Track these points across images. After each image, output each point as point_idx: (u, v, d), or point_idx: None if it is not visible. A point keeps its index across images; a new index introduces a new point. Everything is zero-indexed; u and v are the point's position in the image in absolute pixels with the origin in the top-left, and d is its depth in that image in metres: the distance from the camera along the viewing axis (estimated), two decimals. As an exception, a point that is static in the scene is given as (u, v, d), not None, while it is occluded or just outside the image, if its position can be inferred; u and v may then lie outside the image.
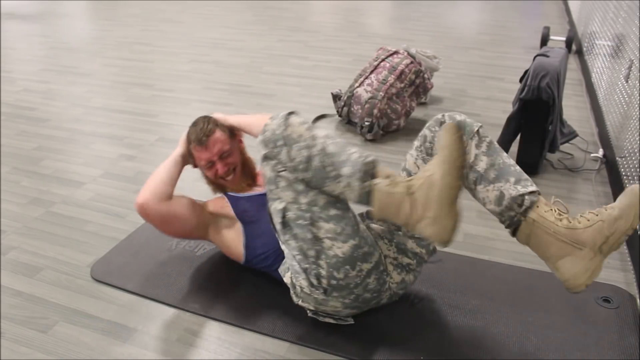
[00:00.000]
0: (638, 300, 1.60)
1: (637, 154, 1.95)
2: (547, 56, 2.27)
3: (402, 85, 2.74)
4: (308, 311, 1.50)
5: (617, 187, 2.11)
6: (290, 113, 1.39)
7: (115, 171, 2.40)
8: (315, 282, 1.39)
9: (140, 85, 3.49)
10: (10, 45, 4.47)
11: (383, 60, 2.80)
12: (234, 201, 1.68)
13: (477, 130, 1.39)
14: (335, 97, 2.88)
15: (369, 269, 1.38)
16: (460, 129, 1.22)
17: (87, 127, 2.86)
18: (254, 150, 2.20)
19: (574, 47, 4.13)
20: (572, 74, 3.55)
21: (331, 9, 5.71)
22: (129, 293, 1.65)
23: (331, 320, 1.48)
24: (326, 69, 3.75)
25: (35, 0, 6.28)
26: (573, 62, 3.81)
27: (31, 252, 1.86)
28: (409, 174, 1.49)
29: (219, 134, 1.64)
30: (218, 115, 1.70)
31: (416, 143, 1.51)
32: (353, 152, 1.32)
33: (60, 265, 1.79)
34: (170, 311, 1.58)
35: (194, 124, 1.67)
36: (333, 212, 1.35)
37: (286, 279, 1.49)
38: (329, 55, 4.08)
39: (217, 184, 1.73)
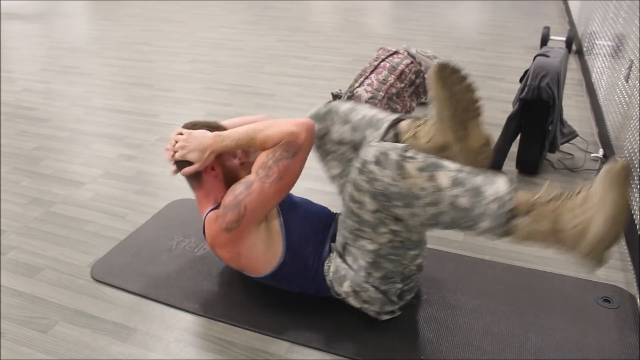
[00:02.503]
0: (638, 300, 1.60)
1: (637, 154, 1.95)
2: (547, 56, 2.27)
3: (402, 85, 2.74)
4: (370, 312, 1.46)
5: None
6: (405, 151, 1.20)
7: (115, 171, 2.40)
8: (395, 299, 1.42)
9: (140, 85, 3.49)
10: (10, 45, 4.47)
11: (383, 60, 2.80)
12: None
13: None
14: (335, 97, 2.88)
15: (420, 263, 1.45)
16: (630, 172, 1.10)
17: (87, 127, 2.86)
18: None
19: (574, 47, 4.13)
20: (572, 74, 3.55)
21: (331, 9, 5.71)
22: (129, 293, 1.65)
23: (388, 317, 1.49)
24: (326, 69, 3.75)
25: (35, 0, 6.28)
26: (573, 62, 3.80)
27: (31, 252, 1.86)
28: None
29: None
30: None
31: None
32: (490, 202, 1.16)
33: (60, 265, 1.79)
34: (170, 311, 1.58)
35: (191, 124, 1.54)
36: (417, 237, 1.35)
37: (345, 288, 1.41)
38: (329, 55, 4.08)
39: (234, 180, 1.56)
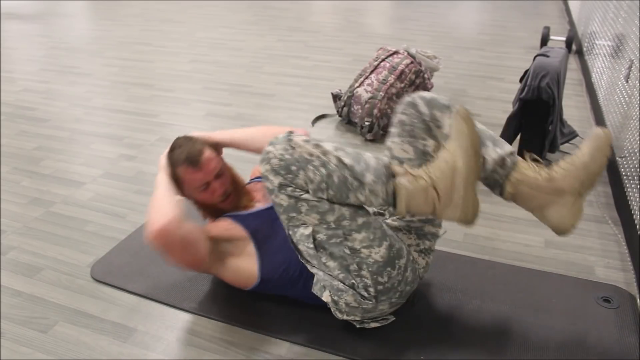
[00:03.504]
0: (638, 300, 1.60)
1: (637, 154, 1.95)
2: (547, 56, 2.27)
3: (402, 85, 2.74)
4: (355, 323, 1.46)
5: (617, 187, 2.11)
6: (289, 133, 1.33)
7: (115, 171, 2.40)
8: (365, 294, 1.38)
9: (140, 85, 3.49)
10: (10, 45, 4.47)
11: (383, 60, 2.80)
12: (242, 220, 1.55)
13: (448, 105, 1.46)
14: (335, 97, 2.88)
15: (405, 264, 1.41)
16: (470, 114, 1.27)
17: (87, 127, 2.86)
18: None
19: (574, 47, 4.13)
20: (572, 74, 3.55)
21: (331, 9, 5.71)
22: (129, 293, 1.65)
23: (377, 325, 1.46)
24: (326, 69, 3.75)
25: (35, 0, 6.28)
26: (573, 62, 3.81)
27: (31, 252, 1.86)
28: (400, 161, 1.48)
29: (208, 152, 1.53)
30: (198, 134, 1.61)
31: (395, 130, 1.50)
32: (369, 158, 1.32)
33: (60, 265, 1.79)
34: (170, 311, 1.58)
35: (177, 145, 1.54)
36: (360, 220, 1.33)
37: (325, 298, 1.43)
38: (329, 55, 4.08)
39: (212, 209, 1.62)
